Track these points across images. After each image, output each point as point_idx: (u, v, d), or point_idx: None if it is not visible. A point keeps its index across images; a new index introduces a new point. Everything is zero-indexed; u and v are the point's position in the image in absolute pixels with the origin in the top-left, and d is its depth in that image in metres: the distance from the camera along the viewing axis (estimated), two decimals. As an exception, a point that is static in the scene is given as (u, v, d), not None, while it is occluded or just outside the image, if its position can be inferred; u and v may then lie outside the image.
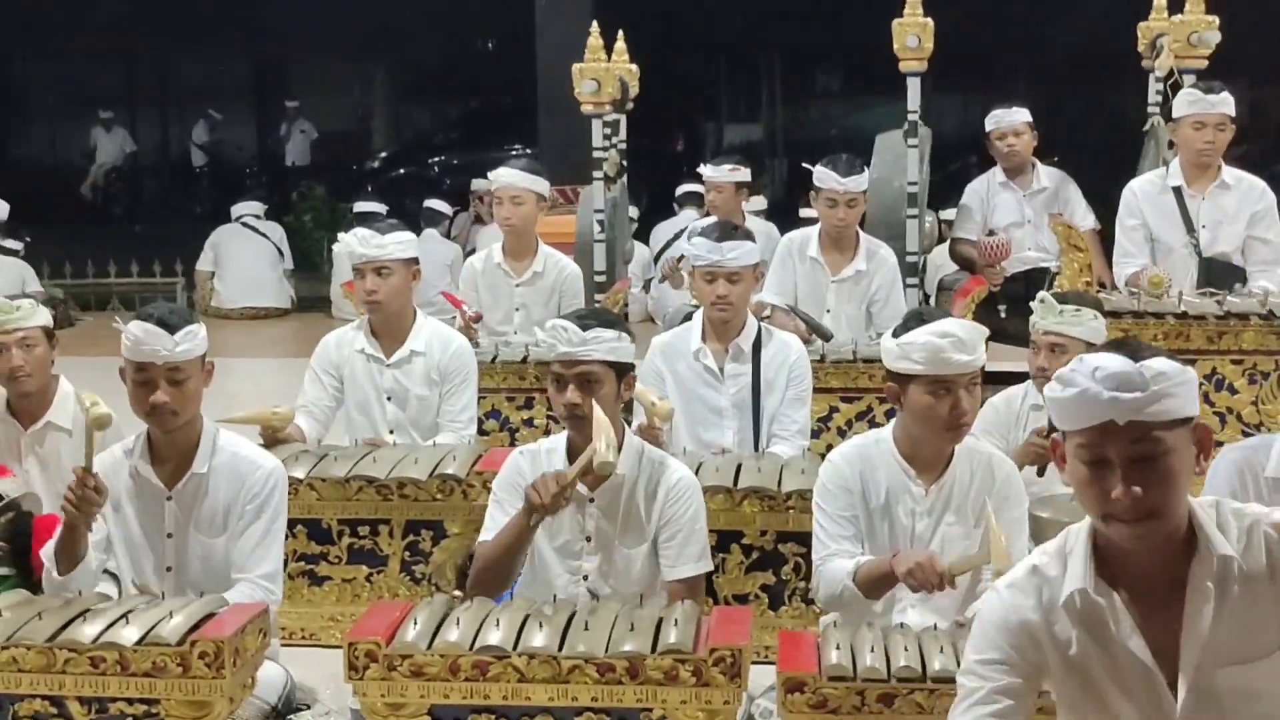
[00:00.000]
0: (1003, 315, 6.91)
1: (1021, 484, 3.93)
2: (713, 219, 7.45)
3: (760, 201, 10.34)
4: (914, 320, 3.80)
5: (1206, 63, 6.62)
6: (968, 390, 3.72)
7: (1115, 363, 2.44)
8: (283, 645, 4.49)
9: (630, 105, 7.47)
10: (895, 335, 3.80)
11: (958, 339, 3.67)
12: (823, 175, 6.20)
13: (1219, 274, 6.02)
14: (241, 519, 3.90)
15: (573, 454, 3.92)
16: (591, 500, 3.93)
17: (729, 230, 5.20)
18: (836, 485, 3.87)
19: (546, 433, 5.59)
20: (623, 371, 3.88)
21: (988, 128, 7.49)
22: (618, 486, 3.92)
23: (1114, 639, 2.51)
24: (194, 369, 3.85)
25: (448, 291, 6.26)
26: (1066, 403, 2.47)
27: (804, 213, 9.81)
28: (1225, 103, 6.03)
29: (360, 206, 10.60)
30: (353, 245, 5.26)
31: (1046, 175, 7.45)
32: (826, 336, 6.00)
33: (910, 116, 6.57)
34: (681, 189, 10.38)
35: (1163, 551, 2.49)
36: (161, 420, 3.85)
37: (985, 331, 3.76)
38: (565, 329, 3.81)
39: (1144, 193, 6.23)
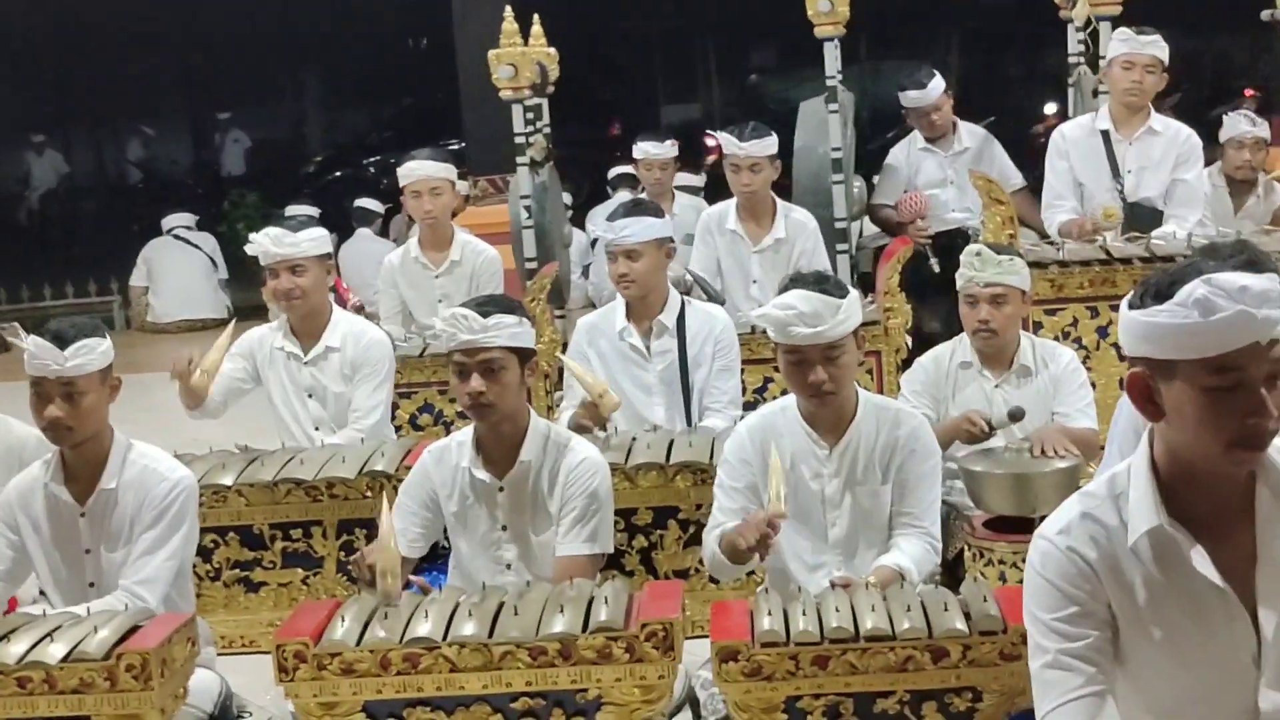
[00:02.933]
0: (936, 269, 6.88)
1: (931, 436, 3.93)
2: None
3: (698, 178, 10.29)
4: (785, 285, 3.80)
5: (1120, 8, 6.63)
6: (824, 360, 3.70)
7: (1258, 280, 2.22)
8: (222, 653, 4.46)
9: (551, 89, 7.42)
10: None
11: (799, 312, 3.66)
12: (724, 140, 6.22)
13: (1143, 219, 6.01)
14: (141, 528, 3.85)
15: (481, 447, 3.92)
16: (501, 490, 3.91)
17: (628, 208, 5.21)
18: (736, 457, 3.89)
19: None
20: (525, 357, 3.85)
21: (904, 105, 7.39)
22: (525, 474, 3.91)
23: (1191, 573, 2.36)
24: (90, 384, 3.78)
25: (339, 279, 6.24)
26: (1210, 327, 2.22)
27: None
28: (1155, 44, 6.00)
29: (291, 210, 10.51)
30: (265, 245, 5.21)
31: (968, 135, 7.40)
32: (720, 301, 6.02)
33: (829, 82, 6.54)
34: (614, 171, 10.33)
35: (1244, 478, 2.36)
36: (57, 436, 3.81)
37: (837, 303, 3.67)
38: (465, 317, 3.77)
39: (1072, 136, 6.22)
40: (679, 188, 9.22)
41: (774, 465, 3.57)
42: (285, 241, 5.20)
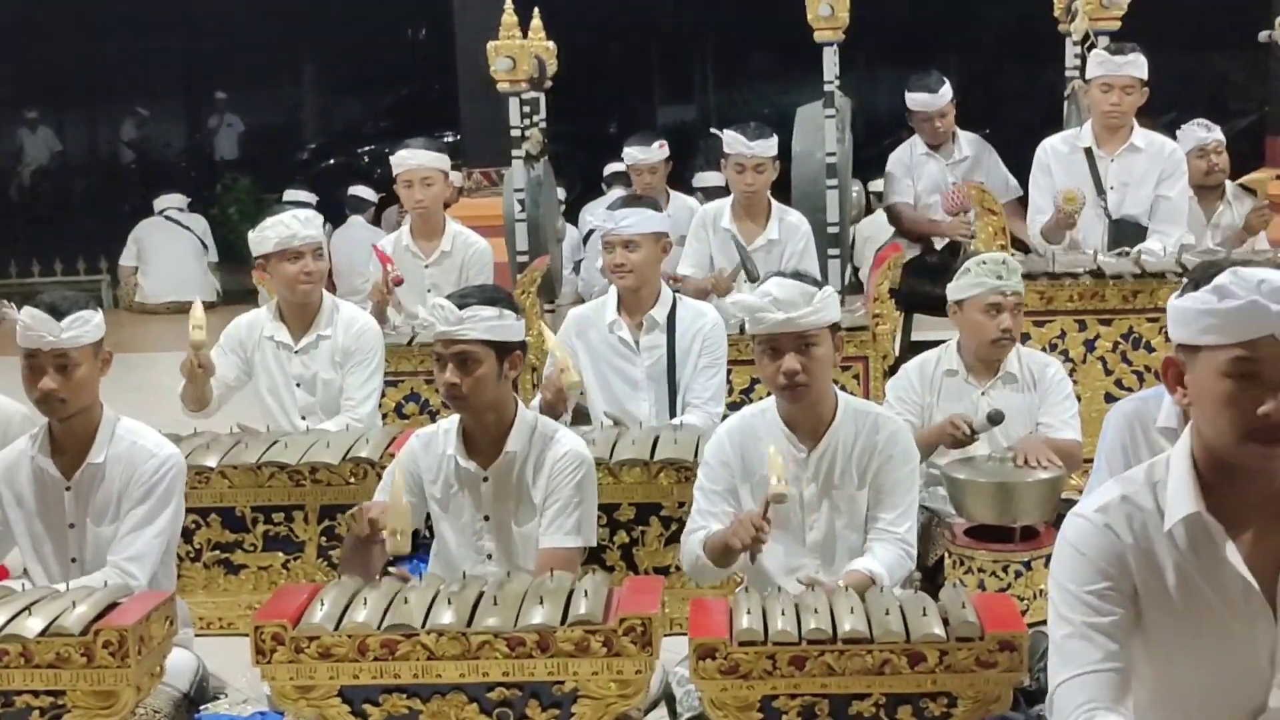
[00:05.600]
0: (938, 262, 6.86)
1: (910, 442, 3.94)
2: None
3: (716, 177, 10.25)
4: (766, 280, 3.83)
5: (1119, 24, 6.64)
6: (797, 350, 3.72)
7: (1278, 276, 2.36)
8: (199, 634, 4.47)
9: (549, 83, 7.43)
10: None
11: (773, 298, 3.70)
12: (730, 140, 6.23)
13: (1128, 235, 6.05)
14: (129, 504, 3.87)
15: (466, 436, 3.93)
16: (485, 480, 3.92)
17: (627, 200, 5.27)
18: (715, 459, 3.92)
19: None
20: (504, 350, 3.84)
21: (911, 107, 7.35)
22: (509, 464, 3.92)
23: (1222, 564, 2.44)
24: (84, 356, 3.80)
25: (379, 247, 6.24)
26: (1225, 314, 2.36)
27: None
28: (1133, 64, 6.03)
29: (290, 195, 10.50)
30: (294, 227, 5.22)
31: (967, 144, 7.41)
32: (753, 277, 6.00)
33: (827, 87, 6.54)
34: (609, 169, 10.35)
35: (1278, 480, 2.44)
36: (51, 408, 3.82)
37: (811, 292, 3.71)
38: (443, 307, 3.80)
39: (1055, 152, 6.26)
40: (704, 189, 9.23)
41: (771, 456, 3.57)
42: (315, 224, 5.30)
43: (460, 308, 3.77)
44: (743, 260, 6.15)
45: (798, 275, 3.81)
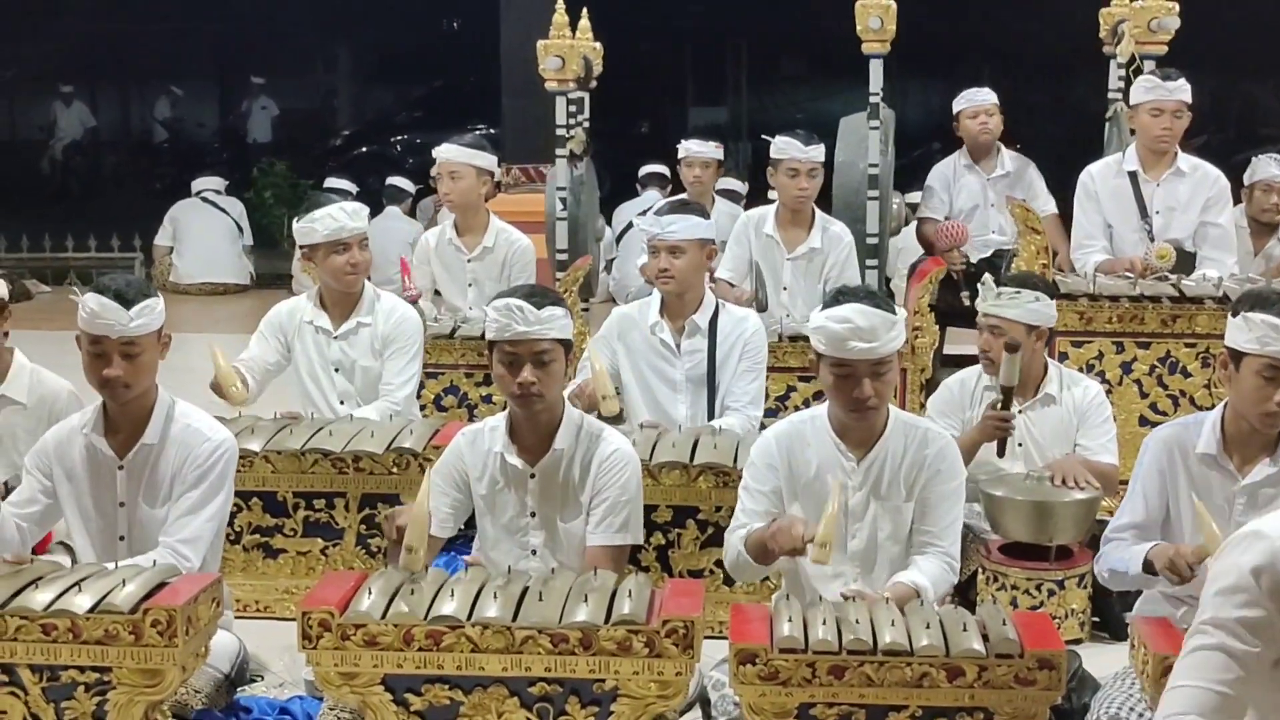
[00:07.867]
0: (966, 301, 6.90)
1: (957, 458, 3.96)
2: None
3: (741, 185, 10.30)
4: (835, 298, 3.83)
5: (1166, 48, 6.67)
6: (872, 375, 3.74)
7: None
8: (237, 617, 4.50)
9: (594, 83, 7.46)
10: (823, 309, 3.84)
11: (855, 326, 3.70)
12: (784, 145, 6.26)
13: (1178, 261, 6.05)
14: (183, 487, 3.91)
15: (514, 433, 3.97)
16: (533, 476, 3.96)
17: (677, 206, 5.30)
18: (762, 461, 3.95)
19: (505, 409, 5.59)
20: (569, 348, 3.96)
21: (957, 108, 7.46)
22: (556, 462, 3.96)
23: None
24: (148, 343, 3.86)
25: (405, 258, 6.32)
26: None
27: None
28: (1183, 90, 6.06)
29: (331, 183, 10.53)
30: (342, 219, 5.25)
31: (1010, 159, 7.48)
32: (762, 307, 6.09)
33: (872, 98, 6.56)
34: (645, 170, 10.39)
35: None
36: (114, 392, 3.86)
37: (891, 319, 3.74)
38: (521, 308, 3.82)
39: (1100, 177, 6.26)
40: (719, 191, 9.27)
41: (830, 512, 3.57)
42: (361, 215, 5.36)
43: (539, 308, 3.82)
44: (758, 289, 6.18)
45: (871, 295, 3.82)
